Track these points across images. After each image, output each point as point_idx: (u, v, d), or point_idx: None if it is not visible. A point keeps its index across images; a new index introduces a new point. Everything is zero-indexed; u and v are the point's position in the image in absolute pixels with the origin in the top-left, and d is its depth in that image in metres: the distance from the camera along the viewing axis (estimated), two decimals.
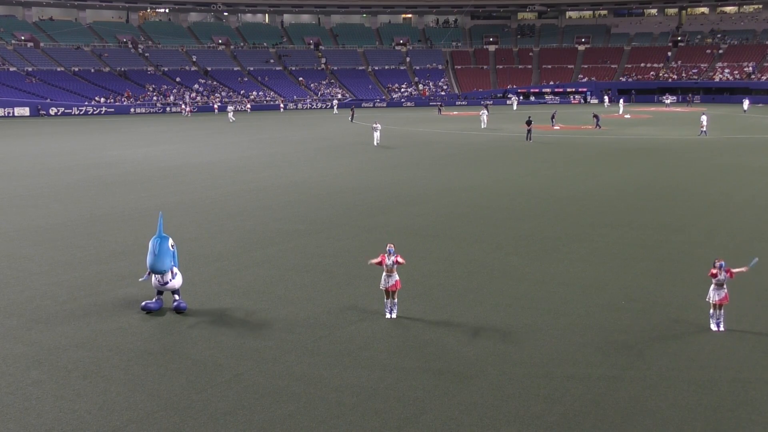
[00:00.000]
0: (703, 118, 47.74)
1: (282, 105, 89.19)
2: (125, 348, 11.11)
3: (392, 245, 12.44)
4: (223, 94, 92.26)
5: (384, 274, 12.26)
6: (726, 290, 11.62)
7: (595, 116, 55.43)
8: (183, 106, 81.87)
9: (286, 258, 16.55)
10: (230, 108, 73.15)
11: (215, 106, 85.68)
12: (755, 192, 25.29)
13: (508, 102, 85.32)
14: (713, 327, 11.74)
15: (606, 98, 76.19)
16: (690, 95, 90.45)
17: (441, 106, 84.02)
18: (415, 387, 9.68)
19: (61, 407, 9.14)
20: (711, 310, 11.83)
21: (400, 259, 12.25)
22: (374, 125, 41.94)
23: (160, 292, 12.88)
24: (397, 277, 12.27)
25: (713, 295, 11.66)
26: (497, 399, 9.33)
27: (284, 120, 70.18)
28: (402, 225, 20.06)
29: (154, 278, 12.76)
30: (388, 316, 12.36)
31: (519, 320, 12.26)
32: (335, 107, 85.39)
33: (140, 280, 13.48)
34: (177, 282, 12.77)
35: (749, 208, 22.44)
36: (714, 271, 11.61)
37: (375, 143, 39.99)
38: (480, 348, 11.04)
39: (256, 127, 59.81)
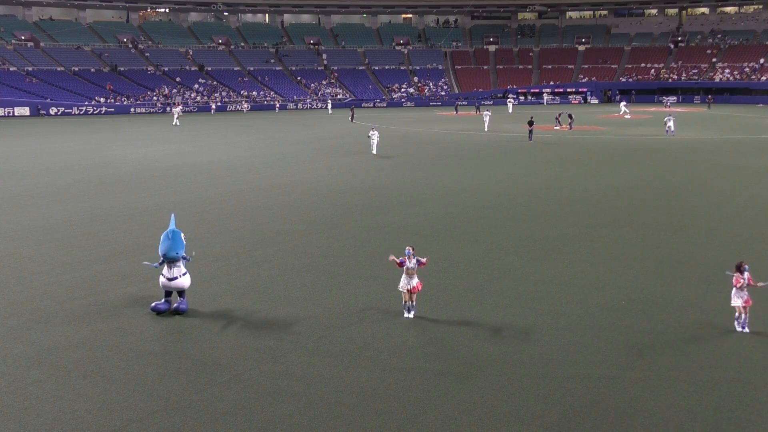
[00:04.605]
0: (668, 118, 48.93)
1: (278, 105, 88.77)
2: (125, 348, 11.11)
3: (411, 247, 12.37)
4: (224, 93, 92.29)
5: (404, 276, 12.23)
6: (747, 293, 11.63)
7: (570, 115, 55.20)
8: (175, 108, 77.37)
9: (286, 258, 16.54)
10: (176, 109, 66.57)
11: (213, 106, 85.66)
12: (755, 192, 25.29)
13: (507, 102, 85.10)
14: (739, 329, 11.70)
15: (624, 103, 73.63)
16: (709, 96, 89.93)
17: (458, 105, 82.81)
18: (415, 387, 9.68)
19: (61, 407, 9.14)
20: (737, 314, 11.71)
21: (422, 260, 12.24)
22: (371, 132, 38.60)
23: (168, 294, 12.85)
24: (417, 280, 12.25)
25: (738, 300, 11.59)
26: (497, 399, 9.33)
27: (281, 121, 70.13)
28: (402, 225, 20.06)
29: (162, 277, 12.74)
30: (406, 315, 12.38)
31: (519, 320, 12.25)
32: (329, 107, 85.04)
33: (144, 263, 13.49)
34: (185, 281, 12.72)
35: (749, 208, 22.44)
36: (740, 279, 11.56)
37: (373, 152, 37.69)
38: (480, 348, 11.03)
39: (255, 128, 59.83)
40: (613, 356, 10.71)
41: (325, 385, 9.72)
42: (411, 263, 12.13)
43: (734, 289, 11.61)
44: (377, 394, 9.48)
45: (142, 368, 10.33)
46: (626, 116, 67.82)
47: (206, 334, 11.69)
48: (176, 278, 12.60)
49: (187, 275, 12.79)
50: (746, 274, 11.53)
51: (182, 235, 12.91)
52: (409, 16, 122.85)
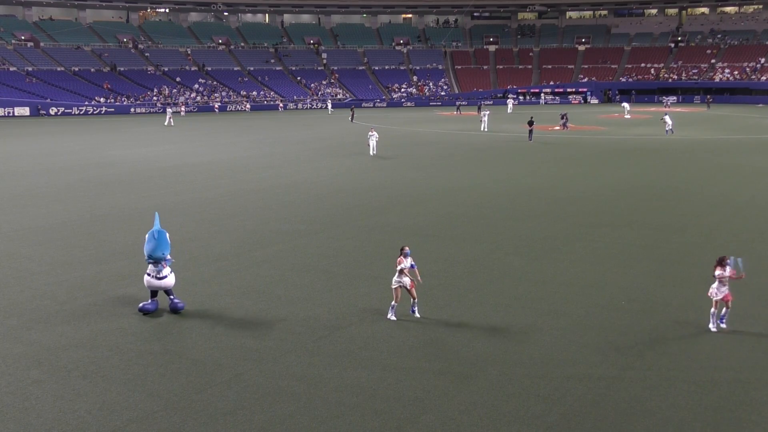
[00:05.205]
0: (666, 117, 49.10)
1: (281, 105, 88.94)
2: (125, 348, 11.11)
3: (407, 247, 12.37)
4: (224, 94, 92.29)
5: (398, 274, 12.20)
6: (727, 288, 11.64)
7: (562, 116, 54.87)
8: (171, 108, 70.96)
9: (286, 258, 16.54)
10: (169, 110, 65.05)
11: (216, 106, 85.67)
12: (755, 192, 25.29)
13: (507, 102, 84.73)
14: (713, 327, 11.71)
15: (626, 104, 73.12)
16: (709, 97, 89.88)
17: (460, 105, 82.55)
18: (415, 387, 9.68)
19: (61, 407, 9.14)
20: (713, 309, 11.74)
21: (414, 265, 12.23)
22: (370, 133, 38.23)
23: (154, 294, 12.86)
24: (410, 280, 12.25)
25: (719, 294, 11.62)
26: (497, 399, 9.33)
27: (281, 121, 70.15)
28: (402, 225, 20.06)
29: (146, 277, 12.76)
30: (393, 318, 12.31)
31: (519, 320, 12.25)
32: (329, 107, 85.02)
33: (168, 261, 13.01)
34: (170, 281, 12.74)
35: (749, 208, 22.44)
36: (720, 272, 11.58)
37: (371, 153, 37.22)
38: (480, 348, 11.04)
39: (255, 128, 59.84)
40: (613, 356, 10.72)
41: (325, 385, 9.73)
42: (408, 262, 12.11)
43: (716, 282, 11.62)
44: (377, 394, 9.48)
45: (142, 368, 10.33)
46: (626, 116, 67.81)
47: (206, 334, 11.70)
48: (165, 277, 12.64)
49: (172, 274, 12.84)
50: (728, 269, 11.53)
51: (167, 234, 12.93)
52: (409, 16, 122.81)
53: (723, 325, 11.68)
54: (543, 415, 8.90)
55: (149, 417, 8.88)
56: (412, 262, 12.22)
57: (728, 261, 11.61)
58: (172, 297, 12.83)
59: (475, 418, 8.83)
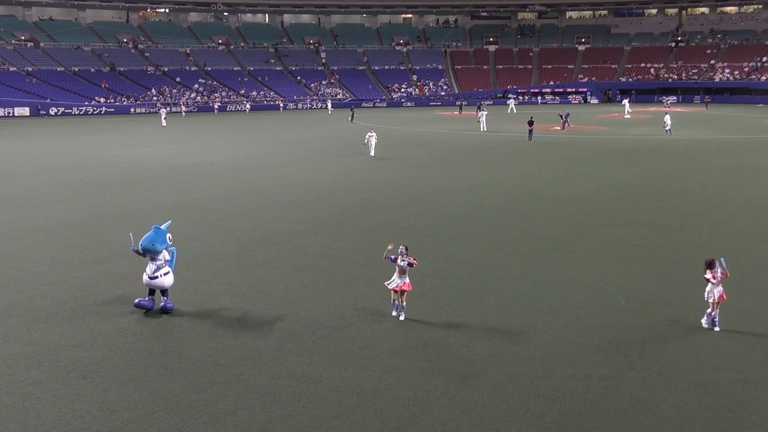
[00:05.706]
0: (667, 117, 48.98)
1: (282, 105, 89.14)
2: (125, 348, 11.10)
3: (404, 247, 12.34)
4: (224, 94, 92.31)
5: (396, 274, 12.22)
6: (720, 287, 11.65)
7: (561, 116, 54.59)
8: (166, 109, 70.54)
9: (286, 258, 16.54)
10: (164, 110, 65.55)
11: (216, 106, 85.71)
12: (755, 192, 25.28)
13: (507, 102, 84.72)
14: (705, 325, 11.73)
15: (626, 102, 72.90)
16: (707, 97, 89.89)
17: (461, 105, 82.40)
18: (415, 387, 9.68)
19: (61, 407, 9.14)
20: (709, 310, 11.78)
21: (413, 261, 12.22)
22: (368, 134, 37.83)
23: (152, 292, 12.87)
24: (407, 279, 12.23)
25: (713, 294, 11.64)
26: (497, 399, 9.33)
27: (281, 121, 70.14)
28: (402, 225, 20.06)
29: (144, 275, 12.77)
30: (394, 313, 12.34)
31: (519, 320, 12.25)
32: (329, 107, 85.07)
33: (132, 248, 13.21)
34: (164, 281, 12.72)
35: (749, 208, 22.44)
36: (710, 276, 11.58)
37: (371, 154, 36.92)
38: (480, 348, 11.03)
39: (255, 128, 59.84)
40: (613, 356, 10.71)
41: (325, 385, 9.72)
42: (402, 262, 12.12)
43: (709, 284, 11.63)
44: (377, 394, 9.48)
45: (142, 368, 10.32)
46: (626, 116, 67.82)
47: (206, 334, 11.69)
48: (157, 277, 12.63)
49: (170, 275, 12.81)
50: (719, 270, 11.52)
51: (169, 236, 12.89)
52: (409, 16, 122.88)
53: (716, 329, 11.66)
54: (543, 415, 8.90)
55: (149, 417, 8.87)
56: (409, 260, 12.19)
57: (717, 263, 11.59)
58: (165, 297, 12.84)
59: (475, 418, 8.83)
